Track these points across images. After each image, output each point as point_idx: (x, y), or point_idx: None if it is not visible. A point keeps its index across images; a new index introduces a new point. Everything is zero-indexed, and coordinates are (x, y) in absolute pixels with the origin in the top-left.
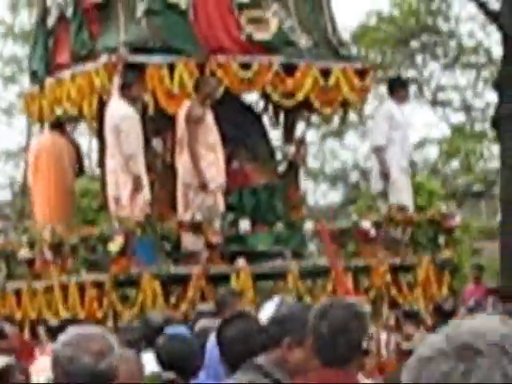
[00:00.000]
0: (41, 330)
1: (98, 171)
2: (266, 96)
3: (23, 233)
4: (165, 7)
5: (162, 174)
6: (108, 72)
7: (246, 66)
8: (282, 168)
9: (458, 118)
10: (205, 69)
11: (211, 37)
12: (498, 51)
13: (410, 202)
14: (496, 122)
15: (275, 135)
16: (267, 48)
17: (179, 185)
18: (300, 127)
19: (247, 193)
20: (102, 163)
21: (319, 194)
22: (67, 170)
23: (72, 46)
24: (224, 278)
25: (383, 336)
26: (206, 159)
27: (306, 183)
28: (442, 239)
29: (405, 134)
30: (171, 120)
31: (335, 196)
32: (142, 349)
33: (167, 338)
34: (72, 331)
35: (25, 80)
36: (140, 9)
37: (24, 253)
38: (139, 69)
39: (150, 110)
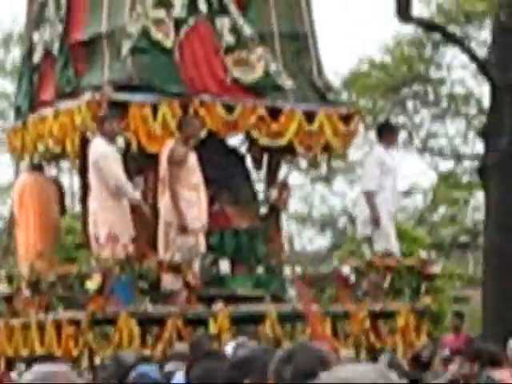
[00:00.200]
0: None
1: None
2: (249, 138)
3: (1, 268)
4: (150, 46)
5: (143, 213)
6: (91, 110)
7: (230, 109)
8: (263, 210)
9: (448, 166)
10: (188, 109)
11: (196, 78)
12: (488, 101)
13: (397, 249)
14: (482, 171)
15: (258, 177)
16: (253, 91)
17: (160, 224)
18: (283, 170)
19: (228, 235)
20: (83, 201)
21: (307, 239)
22: (51, 206)
23: (57, 83)
24: (201, 321)
25: None
26: (188, 200)
27: (292, 228)
28: (422, 287)
29: (395, 180)
30: (153, 158)
31: (323, 241)
32: None
33: (136, 377)
34: (36, 369)
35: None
36: (126, 47)
37: (2, 288)
38: (122, 107)
39: (133, 149)
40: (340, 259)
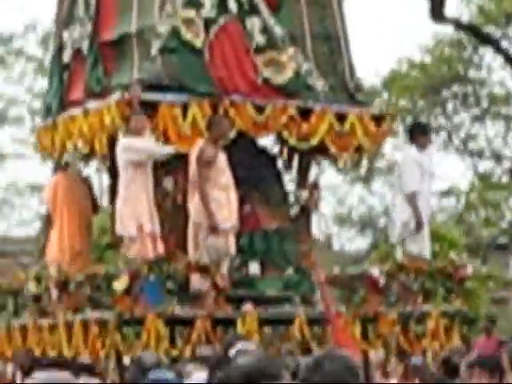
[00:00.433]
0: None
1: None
2: (280, 139)
3: (31, 268)
4: (180, 45)
5: (172, 213)
6: (120, 109)
7: (260, 109)
8: (293, 212)
9: (487, 167)
10: (218, 109)
11: (226, 78)
12: None
13: (428, 252)
14: None
15: (288, 178)
16: (283, 91)
17: (190, 225)
18: (314, 171)
19: (258, 236)
20: (112, 201)
21: (346, 239)
22: (84, 204)
23: (86, 82)
24: (230, 322)
25: None
26: (218, 200)
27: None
28: (453, 289)
29: (430, 183)
30: (183, 159)
31: (363, 242)
32: None
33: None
34: (39, 376)
35: None
36: (155, 46)
37: (31, 288)
38: (152, 107)
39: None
40: (370, 261)
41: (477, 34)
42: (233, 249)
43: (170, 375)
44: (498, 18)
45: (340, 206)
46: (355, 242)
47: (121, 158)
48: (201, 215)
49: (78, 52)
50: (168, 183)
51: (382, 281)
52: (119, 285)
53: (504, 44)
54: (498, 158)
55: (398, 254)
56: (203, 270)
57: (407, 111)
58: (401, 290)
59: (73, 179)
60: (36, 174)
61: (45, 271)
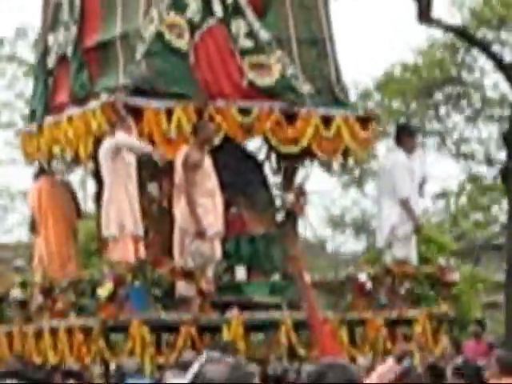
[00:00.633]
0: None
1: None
2: (267, 143)
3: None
4: (165, 49)
5: (158, 218)
6: (106, 113)
7: (245, 112)
8: (280, 216)
9: (480, 170)
10: (203, 113)
11: (212, 81)
12: None
13: (415, 256)
14: (505, 176)
15: (274, 182)
16: (269, 94)
17: (176, 230)
18: (300, 176)
19: (245, 241)
20: (98, 206)
21: (339, 243)
22: (68, 209)
23: (71, 87)
24: (215, 328)
25: None
26: (204, 206)
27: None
28: (440, 294)
29: (417, 186)
30: (168, 164)
31: (359, 245)
32: None
33: None
34: None
35: None
36: (140, 50)
37: (16, 294)
38: (137, 112)
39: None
40: (356, 266)
41: (465, 37)
42: (218, 254)
43: (146, 381)
44: (491, 21)
45: (333, 209)
46: (350, 245)
47: (105, 158)
48: (187, 220)
49: (62, 57)
50: (153, 188)
51: (368, 285)
52: (103, 292)
53: (495, 48)
54: (490, 161)
55: (387, 259)
56: (188, 275)
57: (400, 113)
58: (387, 295)
59: (55, 185)
60: (27, 180)
61: (30, 277)
